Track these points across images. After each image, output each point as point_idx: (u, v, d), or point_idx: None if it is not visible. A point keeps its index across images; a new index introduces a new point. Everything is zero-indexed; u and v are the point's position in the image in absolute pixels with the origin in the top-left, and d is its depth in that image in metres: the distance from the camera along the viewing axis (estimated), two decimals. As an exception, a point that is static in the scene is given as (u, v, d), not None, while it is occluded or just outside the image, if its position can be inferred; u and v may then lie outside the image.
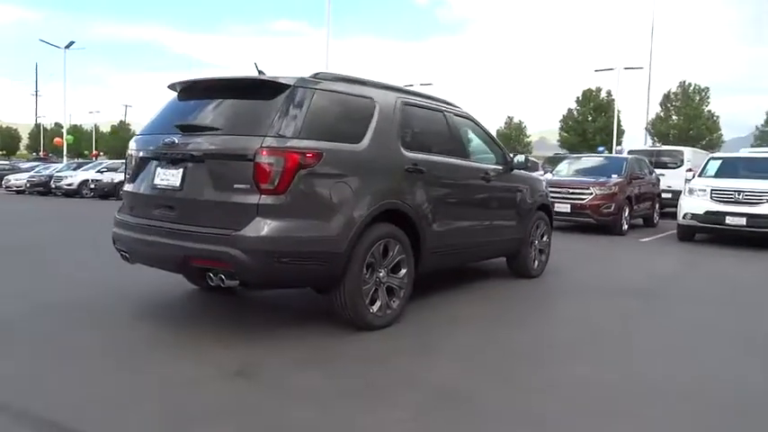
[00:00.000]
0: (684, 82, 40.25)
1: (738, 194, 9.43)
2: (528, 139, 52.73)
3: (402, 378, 3.13)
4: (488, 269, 6.26)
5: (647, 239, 10.60)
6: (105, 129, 71.50)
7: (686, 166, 15.38)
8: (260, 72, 4.21)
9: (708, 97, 39.63)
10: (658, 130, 39.62)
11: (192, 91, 4.15)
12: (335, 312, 3.89)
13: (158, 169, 3.86)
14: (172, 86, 4.26)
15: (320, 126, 3.70)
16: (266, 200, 3.41)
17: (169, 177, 3.77)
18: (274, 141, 3.45)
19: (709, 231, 9.92)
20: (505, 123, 52.81)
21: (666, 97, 40.87)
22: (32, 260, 6.76)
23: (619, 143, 36.09)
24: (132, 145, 4.26)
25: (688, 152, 16.15)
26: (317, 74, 3.90)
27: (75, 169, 25.11)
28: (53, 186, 23.08)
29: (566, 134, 43.49)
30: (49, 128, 72.08)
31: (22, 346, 3.54)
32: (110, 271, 5.98)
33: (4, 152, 68.68)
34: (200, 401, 2.76)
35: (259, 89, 3.81)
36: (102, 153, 57.52)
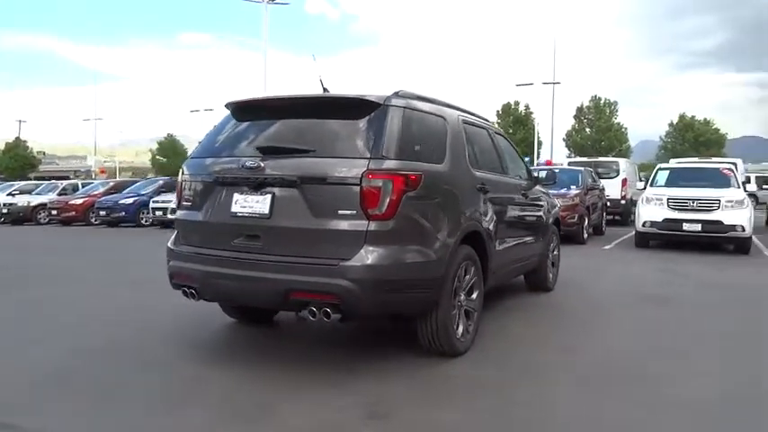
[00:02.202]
0: (596, 96, 43.22)
1: (693, 202, 10.18)
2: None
3: (540, 409, 3.05)
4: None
5: (608, 247, 11.14)
6: (-3, 147, 65.41)
7: (622, 176, 16.46)
8: (324, 89, 4.03)
9: (616, 110, 42.84)
10: (574, 141, 42.18)
11: (261, 111, 3.90)
12: (422, 339, 3.75)
13: (236, 195, 3.55)
14: (231, 105, 3.97)
15: (412, 146, 3.57)
16: (374, 226, 3.23)
17: (253, 204, 3.48)
18: (380, 164, 3.28)
19: (666, 237, 10.62)
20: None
21: (580, 110, 43.66)
22: (22, 298, 6.02)
23: (538, 155, 38.01)
24: (187, 169, 3.91)
25: (623, 163, 17.28)
26: (398, 92, 3.77)
27: (-21, 193, 22.87)
28: (-43, 212, 20.87)
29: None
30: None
31: (94, 401, 3.11)
32: (118, 306, 5.47)
33: None
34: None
35: (344, 108, 3.63)
36: (-7, 174, 52.43)
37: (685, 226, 10.11)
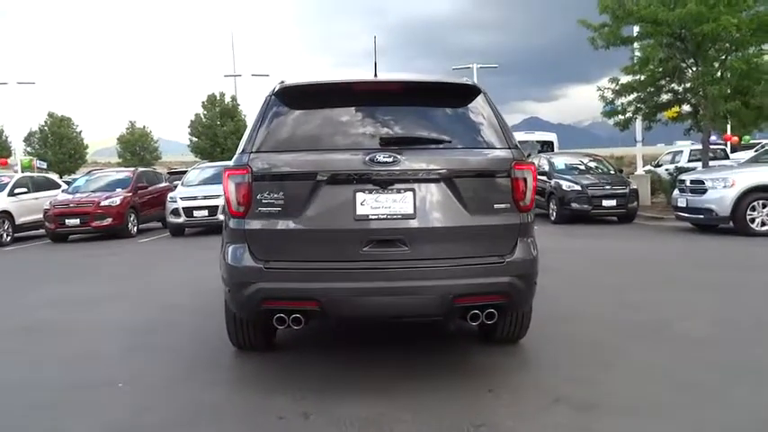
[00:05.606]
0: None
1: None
2: (155, 144, 49.59)
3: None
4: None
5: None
6: None
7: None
8: (375, 75, 3.69)
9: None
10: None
11: (345, 96, 3.44)
12: (502, 330, 3.88)
13: (360, 195, 3.10)
14: (295, 88, 3.46)
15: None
16: (523, 218, 3.26)
17: (390, 204, 3.09)
18: (518, 153, 3.29)
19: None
20: (127, 129, 48.32)
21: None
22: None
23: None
24: (260, 166, 3.15)
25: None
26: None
27: None
28: None
29: (196, 139, 43.21)
30: None
31: None
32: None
33: None
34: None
35: (445, 93, 3.55)
36: None
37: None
